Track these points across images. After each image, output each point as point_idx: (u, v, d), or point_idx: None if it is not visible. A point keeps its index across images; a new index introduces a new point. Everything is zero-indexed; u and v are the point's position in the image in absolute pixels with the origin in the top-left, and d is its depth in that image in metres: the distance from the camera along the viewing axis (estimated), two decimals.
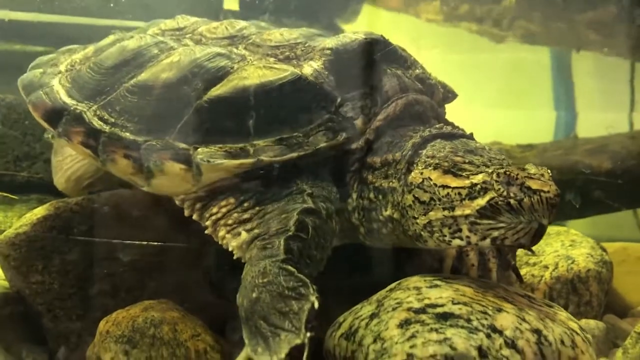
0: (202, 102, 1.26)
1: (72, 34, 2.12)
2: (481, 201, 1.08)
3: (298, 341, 0.95)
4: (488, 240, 1.10)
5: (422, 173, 1.15)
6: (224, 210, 1.24)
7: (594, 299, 1.58)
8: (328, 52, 1.32)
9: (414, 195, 1.15)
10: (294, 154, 1.21)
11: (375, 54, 1.35)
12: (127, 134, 1.29)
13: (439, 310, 1.06)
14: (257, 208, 1.22)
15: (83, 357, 1.31)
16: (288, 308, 0.99)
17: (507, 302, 1.11)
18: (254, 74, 1.28)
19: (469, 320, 1.04)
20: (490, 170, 1.09)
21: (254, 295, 1.03)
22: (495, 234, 1.09)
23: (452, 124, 1.42)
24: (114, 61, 1.41)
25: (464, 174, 1.11)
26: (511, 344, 1.03)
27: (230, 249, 1.22)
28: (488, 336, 1.03)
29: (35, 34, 2.20)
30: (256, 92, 1.25)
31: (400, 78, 1.34)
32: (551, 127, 3.26)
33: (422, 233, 1.16)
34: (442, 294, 1.10)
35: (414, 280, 1.15)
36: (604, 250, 1.70)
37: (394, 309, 1.09)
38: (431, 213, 1.13)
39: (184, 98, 1.28)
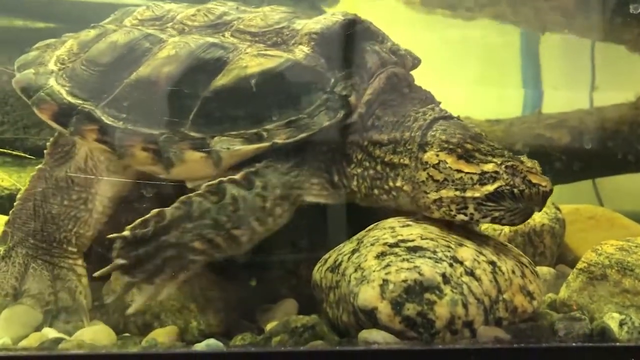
0: (209, 93, 1.38)
1: (73, 11, 2.25)
2: (490, 187, 1.27)
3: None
4: (488, 219, 1.30)
5: (438, 155, 1.32)
6: None
7: (547, 251, 1.80)
8: (315, 36, 1.43)
9: (428, 174, 1.32)
10: (304, 134, 1.35)
11: (355, 33, 1.47)
12: (142, 127, 1.38)
13: (410, 244, 1.26)
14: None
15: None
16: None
17: (467, 239, 1.31)
18: (252, 62, 1.39)
19: (434, 252, 1.24)
20: (499, 162, 1.28)
21: None
22: (496, 214, 1.29)
23: (427, 92, 1.58)
24: (108, 57, 1.48)
25: (474, 160, 1.30)
26: (470, 272, 1.23)
27: None
28: (451, 265, 1.23)
29: (36, 10, 2.32)
30: (258, 79, 1.37)
31: (379, 53, 1.48)
32: (519, 103, 3.47)
33: (431, 206, 1.33)
34: (412, 231, 1.29)
35: (389, 222, 1.35)
36: (558, 209, 1.91)
37: (372, 244, 1.28)
38: (443, 191, 1.31)
39: (189, 90, 1.39)
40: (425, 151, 1.34)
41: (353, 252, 1.30)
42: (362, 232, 1.36)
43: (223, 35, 1.48)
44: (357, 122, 1.42)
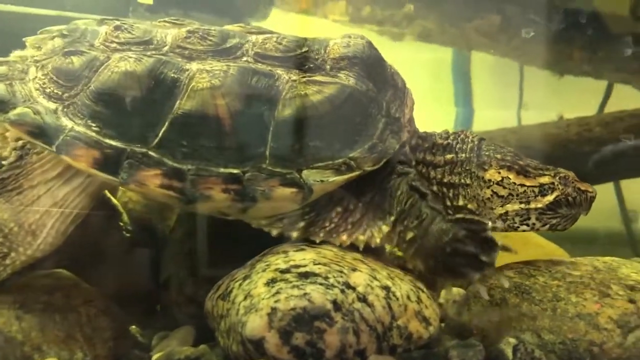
0: (278, 124, 1.31)
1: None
2: (550, 197, 1.41)
3: (496, 254, 1.27)
4: (547, 227, 1.43)
5: (499, 173, 1.42)
6: (336, 220, 1.37)
7: None
8: (355, 60, 1.40)
9: (492, 191, 1.43)
10: (385, 159, 1.37)
11: (377, 53, 1.47)
12: (218, 167, 1.29)
13: (302, 270, 1.22)
14: (360, 205, 1.39)
15: None
16: (480, 238, 1.28)
17: (363, 264, 1.28)
18: (309, 90, 1.34)
19: (326, 278, 1.20)
20: (552, 174, 1.42)
21: (448, 250, 1.29)
22: (554, 221, 1.43)
23: None
24: (134, 91, 1.32)
25: (530, 175, 1.42)
26: (362, 299, 1.20)
27: (363, 246, 1.37)
28: (342, 291, 1.19)
29: None
30: (325, 107, 1.34)
31: (396, 72, 1.49)
32: (451, 122, 3.52)
33: (497, 220, 1.43)
34: (305, 256, 1.25)
35: (285, 246, 1.31)
36: None
37: (263, 270, 1.23)
38: (508, 205, 1.42)
39: (253, 122, 1.31)
40: (485, 170, 1.43)
41: (245, 278, 1.25)
42: (257, 257, 1.32)
43: (248, 61, 1.38)
44: (406, 143, 1.45)
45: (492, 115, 3.22)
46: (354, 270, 1.24)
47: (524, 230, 1.43)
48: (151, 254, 1.71)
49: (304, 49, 1.42)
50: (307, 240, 1.37)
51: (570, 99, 3.08)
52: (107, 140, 1.30)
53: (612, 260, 1.46)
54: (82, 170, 1.31)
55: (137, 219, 1.77)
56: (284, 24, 2.99)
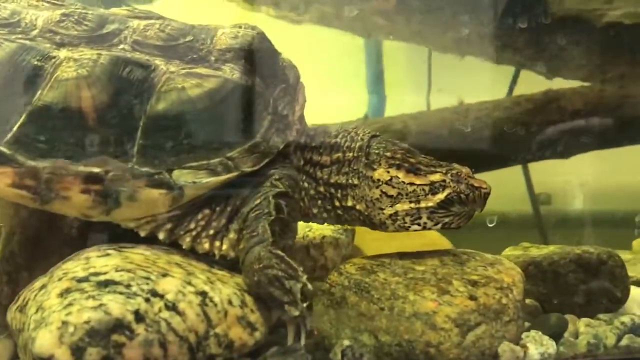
0: (149, 120, 1.22)
1: None
2: (441, 196, 1.35)
3: (297, 313, 1.13)
4: (439, 225, 1.37)
5: (388, 172, 1.35)
6: (202, 223, 1.27)
7: (330, 263, 1.70)
8: (242, 52, 1.31)
9: (381, 190, 1.35)
10: (266, 159, 1.29)
11: (269, 46, 1.38)
12: (78, 165, 1.18)
13: (101, 278, 1.10)
14: (229, 209, 1.28)
15: None
16: (284, 287, 1.14)
17: (178, 268, 1.17)
18: (187, 83, 1.25)
19: (128, 286, 1.09)
20: (444, 171, 1.36)
21: (255, 278, 1.17)
22: (446, 220, 1.37)
23: None
24: None
25: (421, 173, 1.36)
26: (172, 307, 1.09)
27: (219, 254, 1.26)
28: (147, 300, 1.08)
29: None
30: (204, 102, 1.25)
31: (291, 67, 1.40)
32: (364, 108, 3.44)
33: (387, 221, 1.36)
34: (108, 262, 1.14)
35: (89, 250, 1.19)
36: None
37: (59, 279, 1.11)
38: (398, 205, 1.34)
39: (122, 117, 1.21)
40: (373, 169, 1.35)
41: (41, 288, 1.13)
42: (59, 264, 1.19)
43: (124, 50, 1.28)
44: (293, 142, 1.37)
45: (404, 100, 3.16)
46: (165, 275, 1.13)
47: (415, 230, 1.37)
48: None
49: (189, 38, 1.32)
50: (149, 242, 1.26)
51: (483, 82, 3.04)
52: None
53: (464, 252, 1.41)
54: None
55: None
56: (175, 4, 2.83)
